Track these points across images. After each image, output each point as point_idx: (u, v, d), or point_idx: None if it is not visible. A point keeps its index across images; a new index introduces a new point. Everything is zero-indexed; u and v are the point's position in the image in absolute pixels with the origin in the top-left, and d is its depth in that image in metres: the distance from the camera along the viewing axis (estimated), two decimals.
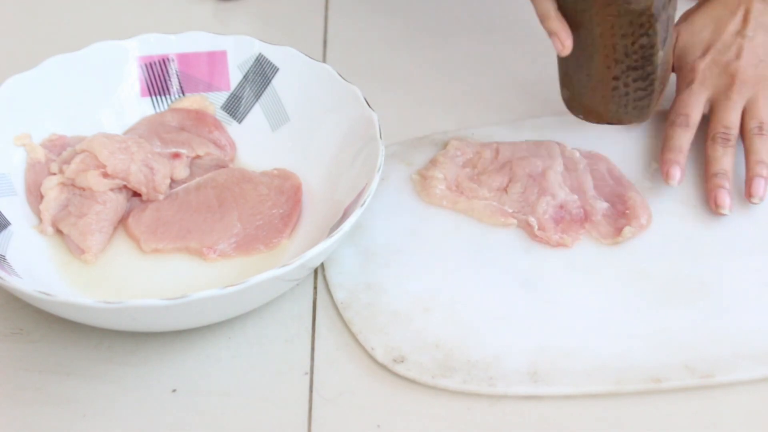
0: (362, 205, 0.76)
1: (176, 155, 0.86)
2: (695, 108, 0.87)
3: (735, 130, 0.86)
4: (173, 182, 0.85)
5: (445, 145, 0.88)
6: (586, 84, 0.83)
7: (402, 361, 0.74)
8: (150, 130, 0.87)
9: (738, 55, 0.87)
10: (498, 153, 0.87)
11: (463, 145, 0.88)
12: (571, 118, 0.90)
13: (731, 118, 0.86)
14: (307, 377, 0.74)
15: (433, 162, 0.87)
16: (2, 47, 1.01)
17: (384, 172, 0.80)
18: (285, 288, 0.77)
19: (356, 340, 0.76)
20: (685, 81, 0.89)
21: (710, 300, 0.78)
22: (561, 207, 0.83)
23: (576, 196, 0.83)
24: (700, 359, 0.74)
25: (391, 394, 0.73)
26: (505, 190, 0.84)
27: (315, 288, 0.80)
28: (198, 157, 0.87)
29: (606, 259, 0.81)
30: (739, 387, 0.73)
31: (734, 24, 0.88)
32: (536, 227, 0.81)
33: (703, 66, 0.87)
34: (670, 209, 0.84)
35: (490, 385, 0.72)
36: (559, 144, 0.87)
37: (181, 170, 0.86)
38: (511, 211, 0.83)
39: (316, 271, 0.80)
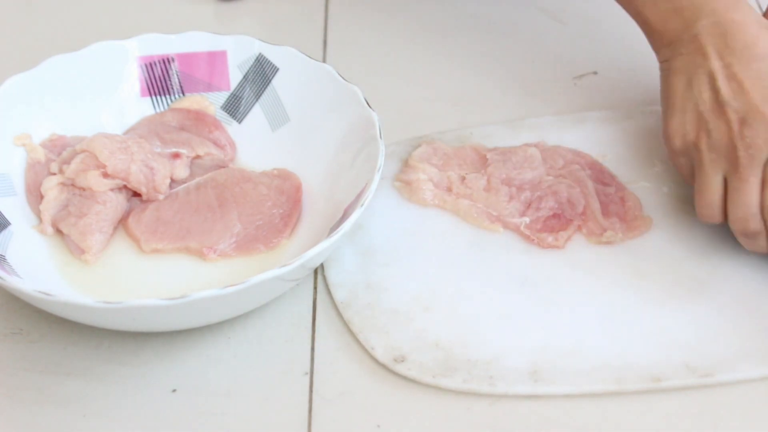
0: (362, 205, 0.76)
1: (176, 155, 0.86)
2: (715, 194, 0.78)
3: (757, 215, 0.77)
4: (173, 182, 0.85)
5: (414, 149, 0.88)
6: None
7: (402, 361, 0.74)
8: (150, 130, 0.87)
9: (729, 133, 0.76)
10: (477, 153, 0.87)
11: (432, 149, 0.87)
12: (571, 117, 0.90)
13: (750, 202, 0.76)
14: (307, 377, 0.74)
15: (408, 167, 0.86)
16: (2, 47, 1.01)
17: (383, 171, 0.80)
18: (285, 288, 0.77)
19: (356, 340, 0.76)
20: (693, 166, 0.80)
21: (710, 300, 0.78)
22: (550, 209, 0.83)
23: (563, 197, 0.83)
24: (700, 358, 0.74)
25: (391, 393, 0.73)
26: (493, 192, 0.84)
27: (315, 288, 0.80)
28: (198, 157, 0.87)
29: (606, 258, 0.81)
30: (739, 386, 0.73)
31: (704, 92, 0.78)
32: (525, 229, 0.82)
33: (703, 148, 0.78)
34: (670, 208, 0.84)
35: (491, 385, 0.72)
36: (536, 145, 0.87)
37: (181, 170, 0.86)
38: (496, 214, 0.83)
39: (316, 271, 0.80)
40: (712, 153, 0.77)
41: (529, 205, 0.83)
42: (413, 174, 0.85)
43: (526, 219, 0.82)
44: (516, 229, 0.82)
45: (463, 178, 0.85)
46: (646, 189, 0.85)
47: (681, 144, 0.79)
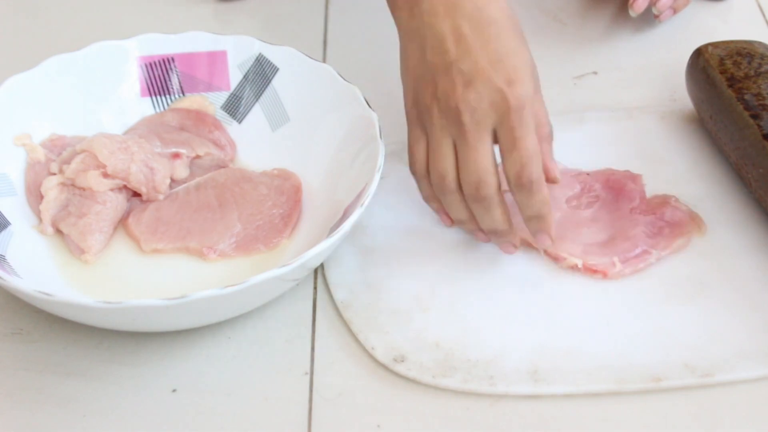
0: (362, 205, 0.76)
1: (176, 155, 0.86)
2: (447, 160, 0.75)
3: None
4: (173, 182, 0.85)
5: None
6: None
7: (402, 361, 0.74)
8: (150, 130, 0.87)
9: (455, 96, 0.73)
10: None
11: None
12: (570, 117, 0.90)
13: (480, 168, 0.73)
14: (307, 377, 0.74)
15: None
16: (2, 47, 1.01)
17: (383, 171, 0.80)
18: (285, 288, 0.77)
19: (356, 340, 0.76)
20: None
21: (710, 299, 0.78)
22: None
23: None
24: (700, 358, 0.74)
25: (391, 393, 0.73)
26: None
27: (315, 288, 0.80)
28: (198, 157, 0.87)
29: None
30: (739, 386, 0.73)
31: (435, 55, 0.74)
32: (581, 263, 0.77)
33: (434, 113, 0.74)
34: None
35: (491, 385, 0.72)
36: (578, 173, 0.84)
37: (181, 170, 0.86)
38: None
39: (316, 271, 0.80)
40: (442, 119, 0.73)
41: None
42: None
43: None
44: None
45: None
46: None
47: (416, 112, 0.76)
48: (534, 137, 0.72)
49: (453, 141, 0.73)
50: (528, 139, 0.72)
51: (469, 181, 0.73)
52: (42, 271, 0.79)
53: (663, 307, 0.77)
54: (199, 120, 0.89)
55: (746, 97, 0.84)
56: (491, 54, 0.72)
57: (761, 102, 0.83)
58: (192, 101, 0.90)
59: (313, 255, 0.73)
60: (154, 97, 0.89)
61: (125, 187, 0.83)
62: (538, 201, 0.73)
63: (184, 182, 0.86)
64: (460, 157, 0.73)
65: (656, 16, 0.99)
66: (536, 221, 0.75)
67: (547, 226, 0.75)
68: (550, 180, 0.74)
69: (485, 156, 0.72)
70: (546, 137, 0.75)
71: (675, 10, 0.99)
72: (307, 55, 0.88)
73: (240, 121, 0.89)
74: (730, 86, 0.86)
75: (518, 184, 0.72)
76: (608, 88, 0.96)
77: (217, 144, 0.88)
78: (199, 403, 0.73)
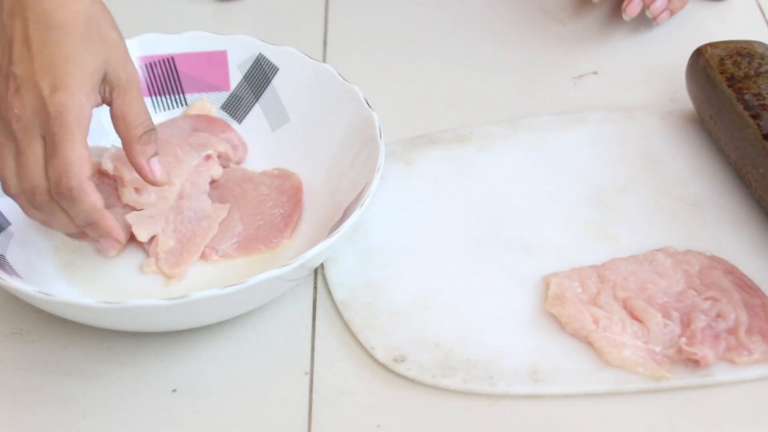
0: (362, 205, 0.76)
1: (208, 157, 0.85)
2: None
3: None
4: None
5: (547, 284, 0.78)
6: None
7: (402, 361, 0.74)
8: (170, 134, 0.86)
9: (2, 103, 0.71)
10: (603, 280, 0.78)
11: (565, 281, 0.78)
12: (570, 117, 0.90)
13: (31, 174, 0.72)
14: (307, 377, 0.74)
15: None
16: None
17: (383, 171, 0.80)
18: (285, 288, 0.77)
19: (356, 340, 0.76)
20: None
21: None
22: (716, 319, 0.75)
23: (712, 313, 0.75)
24: None
25: (391, 393, 0.73)
26: (643, 324, 0.75)
27: (315, 288, 0.80)
28: (219, 155, 0.86)
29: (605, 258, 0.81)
30: (739, 386, 0.73)
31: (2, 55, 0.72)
32: (685, 342, 0.73)
33: None
34: (664, 206, 0.84)
35: (491, 385, 0.72)
36: (662, 250, 0.80)
37: (216, 170, 0.85)
38: (659, 350, 0.74)
39: (316, 271, 0.80)
40: (1, 124, 0.71)
41: (687, 325, 0.75)
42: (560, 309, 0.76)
43: (683, 340, 0.74)
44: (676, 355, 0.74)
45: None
46: (644, 192, 0.85)
47: None
48: (78, 144, 0.70)
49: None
50: (67, 146, 0.70)
51: (23, 188, 0.72)
52: (42, 271, 0.79)
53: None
54: (210, 122, 0.88)
55: (746, 97, 0.84)
56: (44, 59, 0.70)
57: (761, 102, 0.83)
58: (197, 108, 0.89)
59: (313, 255, 0.73)
60: (154, 97, 0.89)
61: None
62: (83, 209, 0.71)
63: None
64: (17, 164, 0.72)
65: (653, 19, 0.98)
66: (92, 229, 0.73)
67: (105, 231, 0.73)
68: (149, 182, 0.75)
69: (35, 162, 0.71)
70: (135, 139, 0.74)
71: (672, 12, 0.99)
72: (307, 55, 0.88)
73: (240, 121, 0.89)
74: (730, 86, 0.86)
75: (57, 192, 0.71)
76: (608, 88, 0.96)
77: (231, 144, 0.87)
78: (199, 403, 0.73)
